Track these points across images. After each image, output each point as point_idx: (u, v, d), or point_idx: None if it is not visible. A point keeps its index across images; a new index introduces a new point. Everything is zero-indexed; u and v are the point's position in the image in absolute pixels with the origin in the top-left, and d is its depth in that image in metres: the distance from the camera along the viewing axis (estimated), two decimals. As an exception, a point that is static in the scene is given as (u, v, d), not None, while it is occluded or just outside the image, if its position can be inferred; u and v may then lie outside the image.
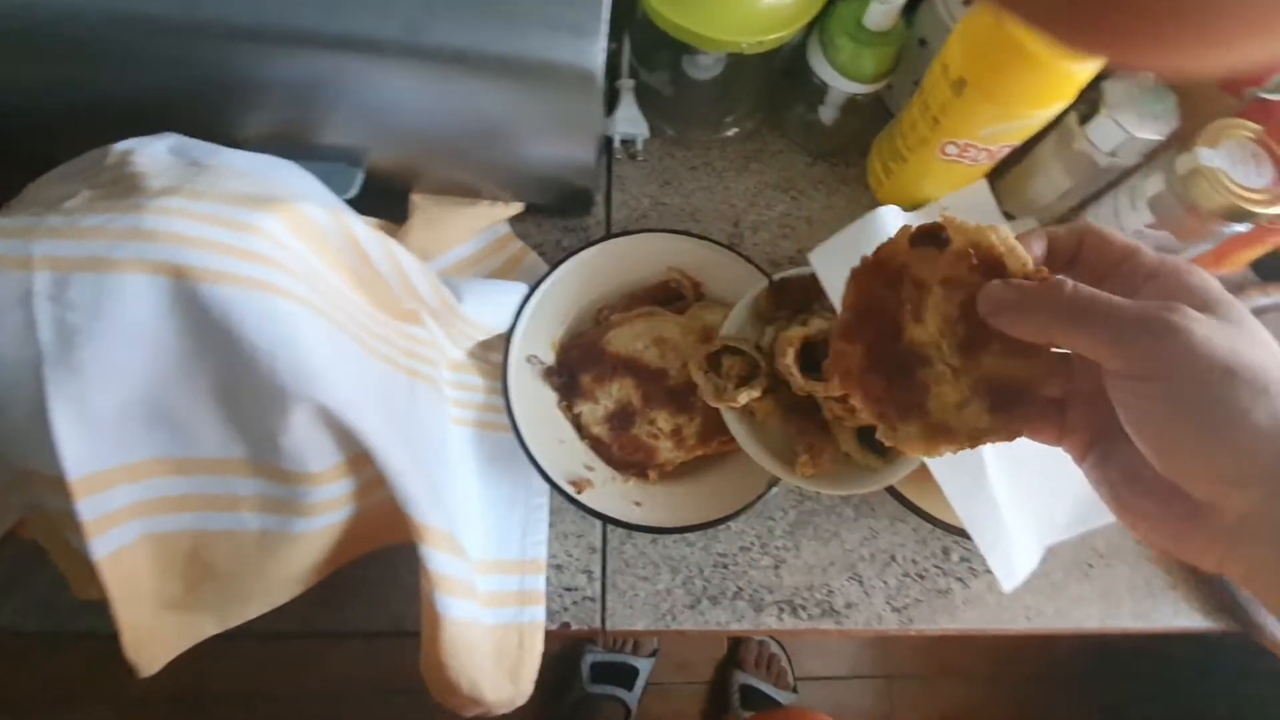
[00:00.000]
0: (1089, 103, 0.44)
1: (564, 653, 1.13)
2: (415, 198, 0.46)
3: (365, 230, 0.31)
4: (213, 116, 0.39)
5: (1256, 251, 0.50)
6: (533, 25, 0.36)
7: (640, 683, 1.14)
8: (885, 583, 0.45)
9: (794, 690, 1.18)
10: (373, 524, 0.36)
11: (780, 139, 0.55)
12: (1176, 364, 0.20)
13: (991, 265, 0.27)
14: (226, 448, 0.30)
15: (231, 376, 0.28)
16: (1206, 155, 0.41)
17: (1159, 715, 1.12)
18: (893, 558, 0.45)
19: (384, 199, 0.46)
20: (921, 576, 0.45)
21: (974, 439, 0.28)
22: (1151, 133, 0.42)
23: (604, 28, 0.36)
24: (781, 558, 0.45)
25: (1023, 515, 0.38)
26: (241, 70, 0.36)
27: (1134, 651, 1.18)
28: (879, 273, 0.29)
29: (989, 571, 0.46)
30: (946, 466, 0.36)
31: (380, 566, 0.39)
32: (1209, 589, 0.46)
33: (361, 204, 0.44)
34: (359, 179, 0.43)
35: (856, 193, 0.54)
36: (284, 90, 0.39)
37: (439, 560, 0.32)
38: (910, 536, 0.46)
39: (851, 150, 0.55)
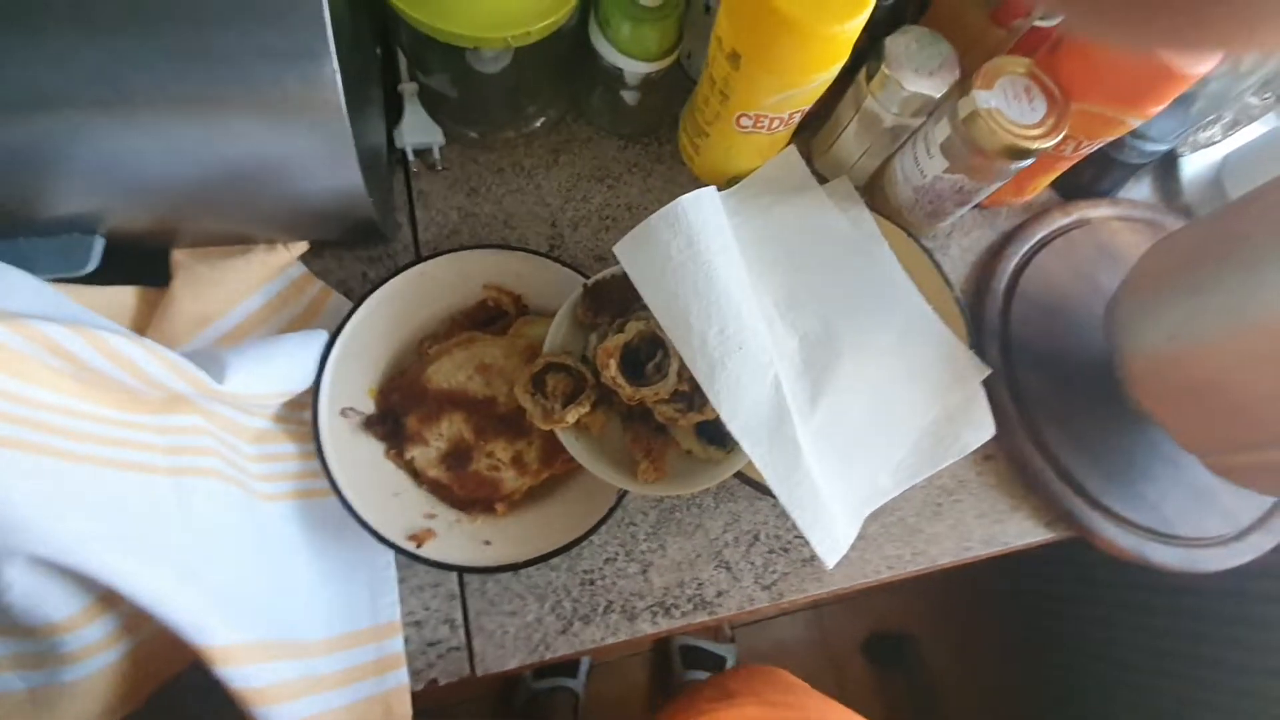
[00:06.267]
0: (878, 57, 0.43)
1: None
2: (177, 256, 0.41)
3: (57, 328, 0.26)
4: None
5: (1051, 176, 0.53)
6: (248, 58, 0.31)
7: (584, 667, 1.15)
8: (752, 563, 0.45)
9: (731, 640, 1.22)
10: (175, 640, 0.32)
11: (587, 126, 0.52)
12: None
13: None
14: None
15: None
16: (982, 97, 0.42)
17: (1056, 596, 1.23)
18: (756, 537, 0.46)
19: (140, 264, 0.40)
20: (786, 550, 0.46)
21: None
22: (928, 88, 0.42)
23: (329, 46, 0.32)
24: (649, 561, 0.44)
25: (841, 491, 0.39)
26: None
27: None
28: None
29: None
30: (766, 454, 0.36)
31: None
32: (1047, 502, 0.50)
33: (114, 273, 0.39)
34: (97, 249, 0.38)
35: (673, 171, 0.52)
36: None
37: (247, 674, 0.29)
38: (770, 513, 0.46)
39: (662, 127, 0.53)
